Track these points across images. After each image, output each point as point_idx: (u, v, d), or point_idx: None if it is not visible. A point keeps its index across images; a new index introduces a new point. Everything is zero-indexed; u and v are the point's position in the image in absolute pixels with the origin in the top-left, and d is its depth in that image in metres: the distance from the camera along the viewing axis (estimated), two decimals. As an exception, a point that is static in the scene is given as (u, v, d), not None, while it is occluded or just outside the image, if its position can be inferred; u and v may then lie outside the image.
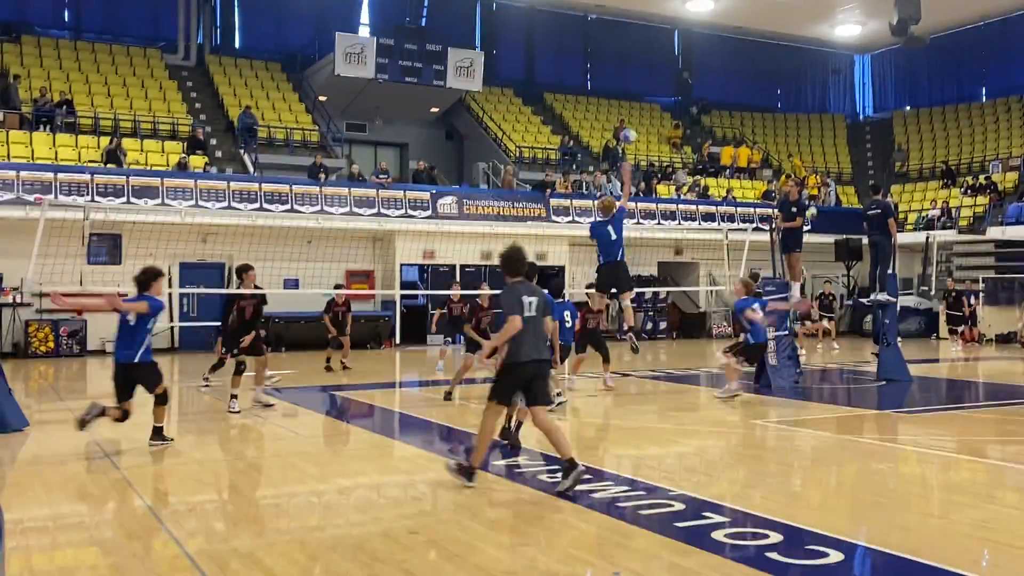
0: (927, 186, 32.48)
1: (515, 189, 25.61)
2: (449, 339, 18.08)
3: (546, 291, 8.06)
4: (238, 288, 12.06)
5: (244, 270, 12.05)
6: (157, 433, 9.07)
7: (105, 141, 22.26)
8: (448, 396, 12.30)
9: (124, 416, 8.92)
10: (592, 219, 24.44)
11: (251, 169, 23.87)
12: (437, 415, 11.20)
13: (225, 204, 21.33)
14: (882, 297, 15.02)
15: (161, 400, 8.98)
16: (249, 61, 29.04)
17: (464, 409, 12.00)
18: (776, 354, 14.13)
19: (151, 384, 8.90)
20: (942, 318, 24.96)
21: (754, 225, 19.89)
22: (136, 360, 8.78)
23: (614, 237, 11.34)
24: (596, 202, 13.13)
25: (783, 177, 30.29)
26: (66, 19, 28.48)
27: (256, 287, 12.12)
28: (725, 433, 9.98)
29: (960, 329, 23.89)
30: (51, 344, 20.02)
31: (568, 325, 11.83)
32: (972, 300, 24.59)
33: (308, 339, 20.74)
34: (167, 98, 25.67)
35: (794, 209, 14.66)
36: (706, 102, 36.80)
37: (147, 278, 8.94)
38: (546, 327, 7.37)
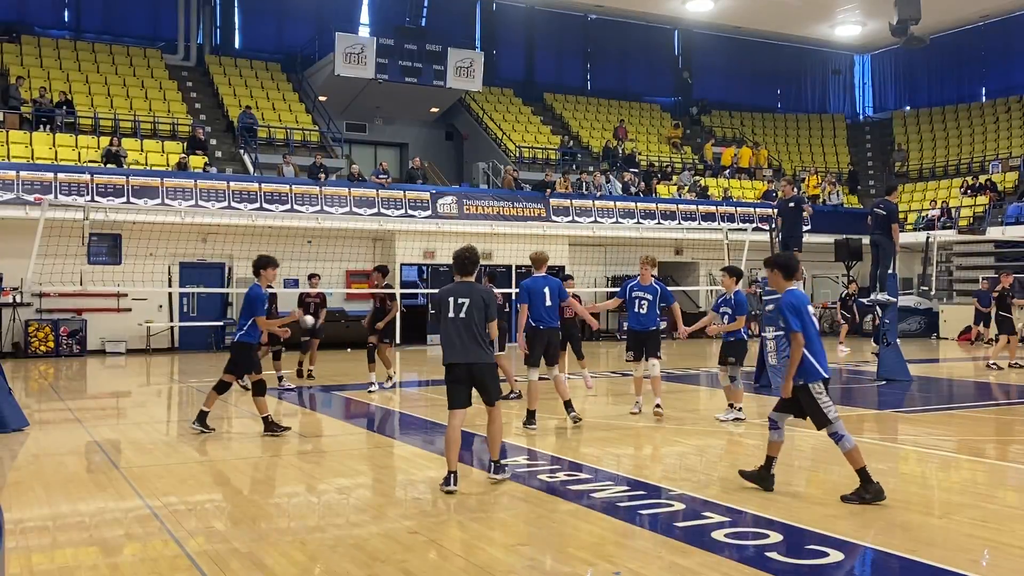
0: (927, 186, 32.50)
1: (515, 189, 25.62)
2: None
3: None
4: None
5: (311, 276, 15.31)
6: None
7: (105, 141, 22.26)
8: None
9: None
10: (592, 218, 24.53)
11: (251, 169, 23.87)
12: (437, 415, 11.19)
13: (225, 204, 21.34)
14: (882, 297, 15.02)
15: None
16: (249, 61, 29.06)
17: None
18: (776, 354, 14.07)
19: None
20: (977, 317, 21.78)
21: (754, 225, 19.89)
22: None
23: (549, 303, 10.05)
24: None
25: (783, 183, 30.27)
26: (66, 19, 28.50)
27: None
28: (725, 433, 9.98)
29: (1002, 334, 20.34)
30: (51, 344, 20.02)
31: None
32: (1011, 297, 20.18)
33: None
34: (167, 98, 25.67)
35: (791, 204, 14.67)
36: (706, 102, 36.82)
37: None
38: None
